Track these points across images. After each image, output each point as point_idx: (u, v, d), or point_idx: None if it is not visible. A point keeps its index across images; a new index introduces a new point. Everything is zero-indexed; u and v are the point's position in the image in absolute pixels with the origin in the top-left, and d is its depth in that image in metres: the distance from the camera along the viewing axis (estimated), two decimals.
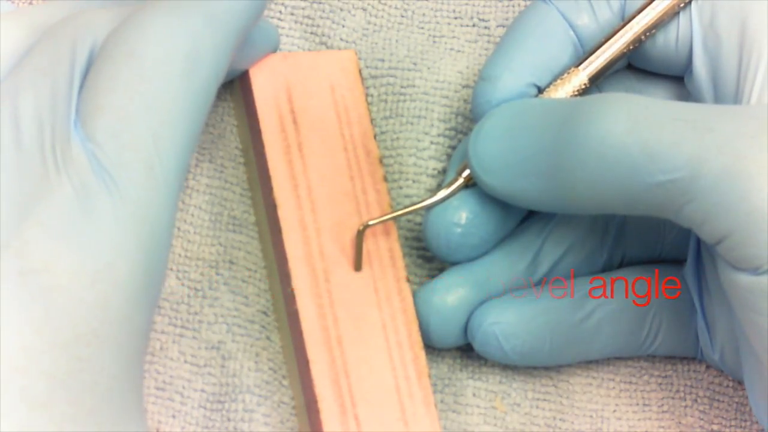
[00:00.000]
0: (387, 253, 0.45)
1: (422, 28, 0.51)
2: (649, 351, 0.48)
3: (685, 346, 0.49)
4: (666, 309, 0.48)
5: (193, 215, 0.46)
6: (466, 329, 0.46)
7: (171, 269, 0.46)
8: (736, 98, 0.44)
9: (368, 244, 0.45)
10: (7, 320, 0.34)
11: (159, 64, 0.38)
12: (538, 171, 0.42)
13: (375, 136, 0.46)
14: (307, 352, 0.43)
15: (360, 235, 0.44)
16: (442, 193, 0.45)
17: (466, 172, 0.44)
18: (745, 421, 0.50)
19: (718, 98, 0.44)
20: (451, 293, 0.45)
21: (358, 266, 0.45)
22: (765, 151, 0.38)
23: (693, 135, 0.39)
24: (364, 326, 0.44)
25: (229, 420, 0.44)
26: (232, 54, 0.40)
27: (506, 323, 0.45)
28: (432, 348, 0.46)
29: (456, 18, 0.52)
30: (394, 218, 0.45)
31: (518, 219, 0.47)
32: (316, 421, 0.43)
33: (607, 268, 0.48)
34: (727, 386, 0.50)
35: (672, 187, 0.39)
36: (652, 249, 0.49)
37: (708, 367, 0.50)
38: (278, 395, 0.45)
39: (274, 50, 0.47)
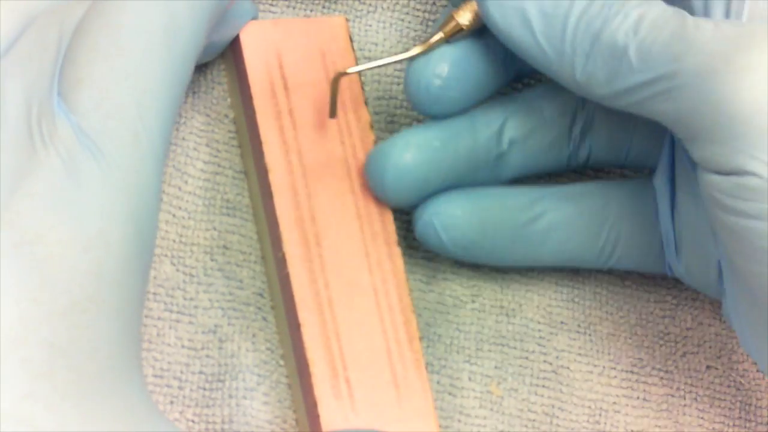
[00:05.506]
0: (378, 218, 0.45)
1: (417, 9, 0.51)
2: (609, 263, 0.48)
3: (648, 261, 0.48)
4: (625, 220, 0.47)
5: (187, 201, 0.46)
6: (421, 192, 0.46)
7: (166, 255, 0.46)
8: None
9: (360, 209, 0.45)
10: (4, 292, 0.34)
11: (137, 34, 0.38)
12: (542, 30, 0.42)
13: (366, 102, 0.47)
14: (298, 316, 0.43)
15: (335, 83, 0.44)
16: (431, 41, 0.44)
17: (449, 26, 0.44)
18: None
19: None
20: (410, 151, 0.45)
21: (332, 113, 0.45)
22: (743, 53, 0.39)
23: (678, 33, 0.40)
24: (355, 290, 0.44)
25: (231, 397, 0.44)
26: (209, 25, 0.41)
27: (446, 215, 0.45)
28: (428, 326, 0.47)
29: None
30: (376, 68, 0.45)
31: (499, 83, 0.46)
32: (307, 385, 0.43)
33: (572, 164, 0.48)
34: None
35: (652, 84, 0.40)
36: (618, 151, 0.48)
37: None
38: (276, 375, 0.45)
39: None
